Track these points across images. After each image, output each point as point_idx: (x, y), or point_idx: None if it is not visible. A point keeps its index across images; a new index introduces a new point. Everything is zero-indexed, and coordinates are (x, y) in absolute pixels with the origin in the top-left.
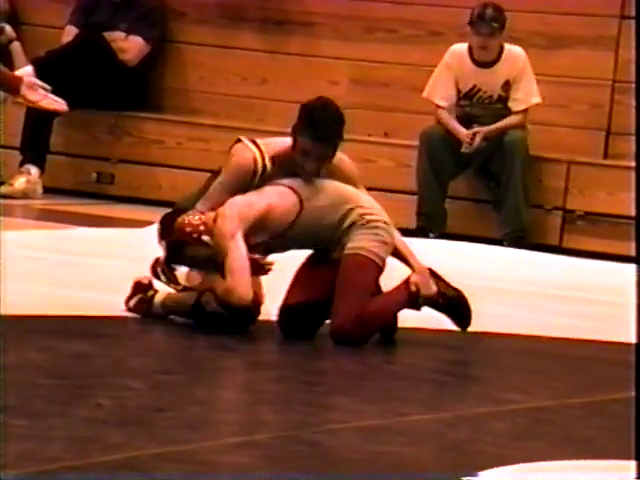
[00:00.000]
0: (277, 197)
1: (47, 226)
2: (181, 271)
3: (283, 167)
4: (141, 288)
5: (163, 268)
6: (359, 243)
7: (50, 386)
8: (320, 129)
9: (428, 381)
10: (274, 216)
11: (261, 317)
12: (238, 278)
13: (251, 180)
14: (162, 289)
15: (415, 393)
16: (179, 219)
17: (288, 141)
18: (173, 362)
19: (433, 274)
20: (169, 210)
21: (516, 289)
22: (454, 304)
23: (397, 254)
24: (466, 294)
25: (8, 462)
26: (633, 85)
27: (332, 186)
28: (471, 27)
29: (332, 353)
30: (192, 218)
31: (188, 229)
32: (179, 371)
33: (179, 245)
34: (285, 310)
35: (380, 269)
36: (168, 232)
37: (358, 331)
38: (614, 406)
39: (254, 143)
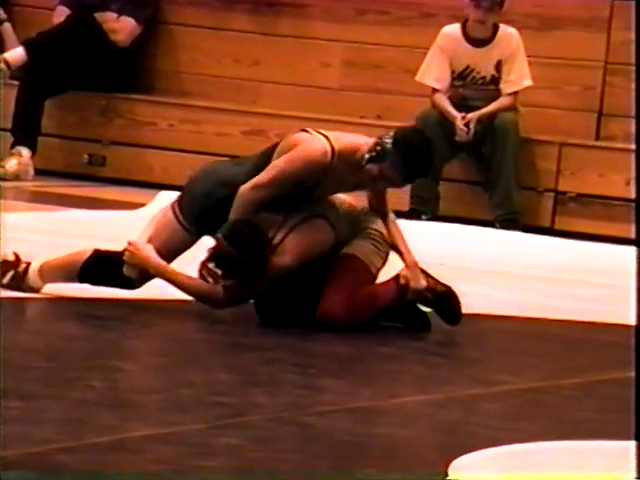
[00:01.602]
0: (326, 236)
1: (39, 208)
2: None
3: (346, 164)
4: (10, 265)
5: (207, 269)
6: (355, 248)
7: (42, 368)
8: (415, 169)
9: (419, 363)
10: (321, 253)
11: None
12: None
13: (316, 175)
14: (34, 262)
15: (406, 375)
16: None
17: (349, 137)
18: (164, 344)
19: (422, 271)
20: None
21: (508, 271)
22: (443, 299)
23: (393, 246)
24: (458, 275)
25: (2, 444)
26: (625, 66)
27: (350, 207)
28: (471, 0)
29: (323, 336)
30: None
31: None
32: (170, 353)
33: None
34: (261, 294)
35: (372, 276)
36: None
37: (344, 316)
38: (606, 387)
39: (321, 134)
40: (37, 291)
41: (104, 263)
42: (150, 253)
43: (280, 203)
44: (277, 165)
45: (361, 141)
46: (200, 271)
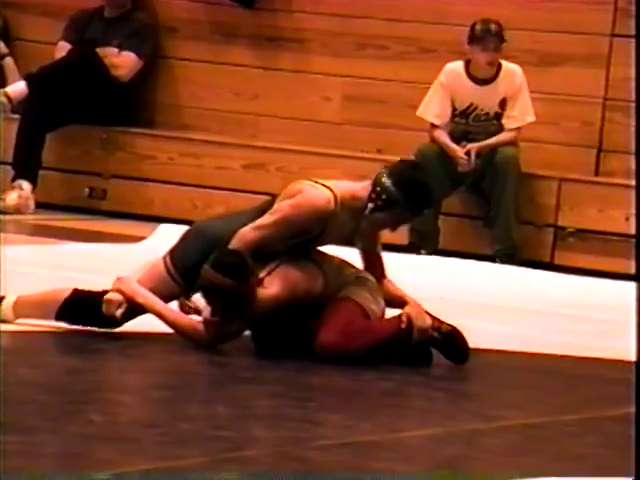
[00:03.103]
0: (314, 277)
1: (39, 241)
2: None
3: (348, 212)
4: None
5: (186, 305)
6: (350, 292)
7: (42, 402)
8: (423, 204)
9: (420, 397)
10: (309, 294)
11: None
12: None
13: (320, 226)
14: (9, 295)
15: (407, 409)
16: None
17: (347, 184)
18: (164, 377)
19: (426, 312)
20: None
21: (508, 305)
22: (450, 339)
23: (389, 297)
24: (458, 310)
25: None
26: (624, 103)
27: (342, 262)
28: (476, 43)
29: (323, 369)
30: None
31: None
32: (170, 386)
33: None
34: (257, 323)
35: (368, 317)
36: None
37: (343, 345)
38: (608, 423)
39: (320, 184)
40: (8, 323)
41: (84, 302)
42: (138, 286)
43: (272, 255)
44: (281, 209)
45: (357, 187)
46: (180, 307)
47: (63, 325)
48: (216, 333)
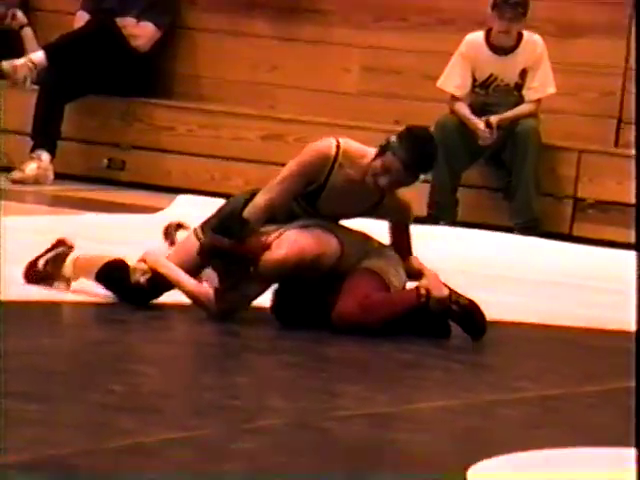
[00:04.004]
0: (327, 243)
1: (58, 212)
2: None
3: (351, 165)
4: (61, 244)
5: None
6: (372, 263)
7: (63, 372)
8: (417, 159)
9: (438, 369)
10: (321, 261)
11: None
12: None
13: (322, 171)
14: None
15: (424, 381)
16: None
17: (362, 148)
18: (183, 348)
19: (444, 285)
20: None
21: (526, 277)
22: (468, 311)
23: (409, 270)
24: (476, 282)
25: (19, 446)
26: None
27: (361, 234)
28: (494, 10)
29: (341, 341)
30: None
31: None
32: (189, 357)
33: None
34: (276, 292)
35: (388, 289)
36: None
37: (361, 316)
38: (624, 395)
39: (334, 138)
40: (66, 282)
41: (117, 268)
42: (162, 257)
43: (288, 219)
44: (287, 167)
45: (370, 150)
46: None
47: (99, 290)
48: (223, 301)
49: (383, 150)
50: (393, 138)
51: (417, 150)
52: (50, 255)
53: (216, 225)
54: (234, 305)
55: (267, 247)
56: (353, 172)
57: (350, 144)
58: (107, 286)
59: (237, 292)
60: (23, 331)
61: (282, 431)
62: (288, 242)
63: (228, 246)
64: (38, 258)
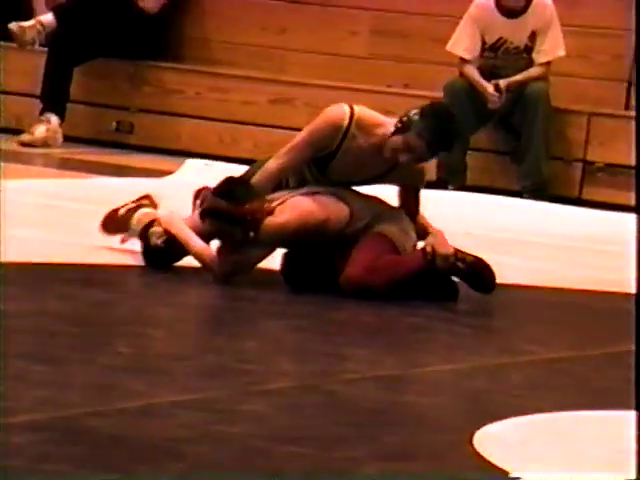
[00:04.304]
0: (334, 208)
1: (66, 175)
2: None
3: (365, 134)
4: (148, 199)
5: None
6: (383, 227)
7: (70, 334)
8: (441, 139)
9: (445, 332)
10: (327, 226)
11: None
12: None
13: (335, 138)
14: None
15: (432, 344)
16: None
17: (375, 113)
18: (191, 311)
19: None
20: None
21: (535, 241)
22: (475, 268)
23: (416, 229)
24: (485, 245)
25: (26, 407)
26: None
27: (372, 198)
28: None
29: (349, 305)
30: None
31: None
32: (197, 320)
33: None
34: (286, 256)
35: (398, 253)
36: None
37: (367, 279)
38: (632, 358)
39: (349, 105)
40: (128, 235)
41: (145, 231)
42: (176, 219)
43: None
44: (299, 134)
45: (387, 119)
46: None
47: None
48: (223, 263)
49: (404, 127)
50: (414, 114)
51: (441, 129)
52: (132, 206)
53: (218, 188)
54: (235, 268)
55: (270, 212)
56: (367, 141)
57: (364, 112)
58: (143, 249)
59: (238, 255)
60: (28, 292)
61: (291, 394)
62: (291, 208)
63: (225, 208)
64: (121, 207)
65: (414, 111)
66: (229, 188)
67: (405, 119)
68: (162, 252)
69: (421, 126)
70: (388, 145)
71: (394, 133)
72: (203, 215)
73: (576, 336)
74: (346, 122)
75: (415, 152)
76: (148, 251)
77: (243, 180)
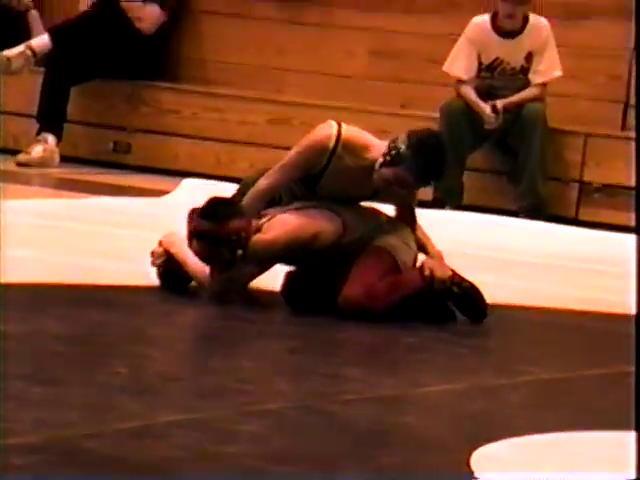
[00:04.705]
0: (325, 221)
1: (64, 195)
2: None
3: (352, 156)
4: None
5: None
6: (383, 241)
7: (67, 354)
8: (430, 171)
9: (443, 353)
10: (319, 240)
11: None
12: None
13: (322, 158)
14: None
15: (430, 365)
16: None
17: (363, 133)
18: (189, 331)
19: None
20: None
21: (531, 261)
22: (468, 295)
23: (419, 247)
24: (481, 265)
25: (24, 429)
26: None
27: (368, 209)
28: None
29: (347, 325)
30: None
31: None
32: (194, 340)
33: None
34: (287, 276)
35: (399, 269)
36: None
37: (365, 302)
38: (630, 378)
39: (338, 124)
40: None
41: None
42: (177, 239)
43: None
44: (289, 153)
45: (375, 142)
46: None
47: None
48: (214, 282)
49: (394, 161)
50: (402, 147)
51: (430, 163)
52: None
53: (202, 209)
54: (226, 286)
55: (258, 229)
56: (354, 162)
57: (352, 133)
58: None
59: (228, 274)
60: (25, 313)
61: (288, 414)
62: (280, 224)
63: (208, 229)
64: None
65: (403, 141)
66: (212, 208)
67: (394, 152)
68: (174, 273)
69: (410, 161)
70: (379, 176)
71: (382, 165)
72: (189, 237)
73: (573, 357)
74: (332, 142)
75: (405, 185)
76: (160, 273)
77: (227, 200)
